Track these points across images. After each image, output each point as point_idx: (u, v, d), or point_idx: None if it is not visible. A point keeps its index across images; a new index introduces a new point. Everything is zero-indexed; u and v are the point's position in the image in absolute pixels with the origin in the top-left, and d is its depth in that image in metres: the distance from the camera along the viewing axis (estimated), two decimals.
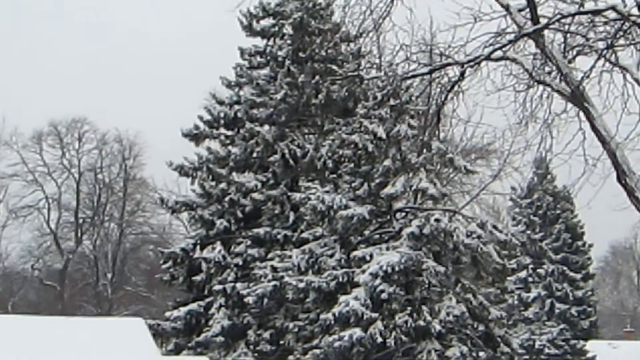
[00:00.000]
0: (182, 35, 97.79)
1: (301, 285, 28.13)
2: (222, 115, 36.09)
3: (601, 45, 16.34)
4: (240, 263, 33.13)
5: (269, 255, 32.03)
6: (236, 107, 36.05)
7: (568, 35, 16.68)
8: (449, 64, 17.03)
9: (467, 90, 17.20)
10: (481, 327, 27.68)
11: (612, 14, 15.76)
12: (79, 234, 70.83)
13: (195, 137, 35.91)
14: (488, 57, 16.48)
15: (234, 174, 34.31)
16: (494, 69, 17.10)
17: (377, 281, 26.20)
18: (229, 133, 36.21)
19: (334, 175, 31.11)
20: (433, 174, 28.75)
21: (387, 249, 27.43)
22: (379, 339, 25.95)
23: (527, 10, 16.04)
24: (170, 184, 60.34)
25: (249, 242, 33.51)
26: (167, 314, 34.32)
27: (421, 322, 26.01)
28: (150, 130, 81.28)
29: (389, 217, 28.84)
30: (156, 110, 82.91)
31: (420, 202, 28.59)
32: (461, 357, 26.31)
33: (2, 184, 69.72)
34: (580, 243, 56.79)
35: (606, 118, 15.85)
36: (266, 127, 35.23)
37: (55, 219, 70.85)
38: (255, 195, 33.82)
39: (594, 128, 15.73)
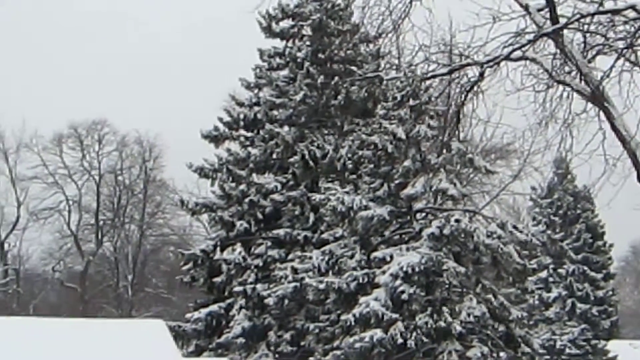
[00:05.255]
0: (202, 38, 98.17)
1: (321, 286, 28.11)
2: (241, 116, 36.12)
3: (621, 44, 16.29)
4: (261, 264, 33.15)
5: (289, 257, 32.06)
6: (256, 108, 36.08)
7: (587, 34, 16.66)
8: (468, 64, 17.02)
9: (486, 90, 17.19)
10: (502, 328, 27.60)
11: (631, 14, 15.71)
12: (100, 236, 70.97)
13: (215, 138, 35.95)
14: (507, 57, 16.46)
15: (253, 175, 34.30)
16: (514, 69, 17.08)
17: (398, 282, 26.17)
18: (249, 134, 36.25)
19: (354, 176, 31.10)
20: (453, 175, 28.68)
21: (408, 249, 27.35)
22: (400, 340, 25.91)
23: (547, 10, 16.02)
24: (190, 186, 60.31)
25: (269, 244, 33.53)
26: (188, 315, 34.35)
27: (442, 323, 25.95)
28: (170, 132, 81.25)
29: (409, 217, 28.75)
30: (176, 112, 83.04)
31: (440, 203, 28.53)
32: (482, 358, 26.26)
33: (23, 187, 70.04)
34: (600, 243, 56.53)
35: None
36: (286, 128, 35.22)
37: (76, 221, 71.09)
38: (275, 196, 33.84)
39: (614, 128, 15.69)
